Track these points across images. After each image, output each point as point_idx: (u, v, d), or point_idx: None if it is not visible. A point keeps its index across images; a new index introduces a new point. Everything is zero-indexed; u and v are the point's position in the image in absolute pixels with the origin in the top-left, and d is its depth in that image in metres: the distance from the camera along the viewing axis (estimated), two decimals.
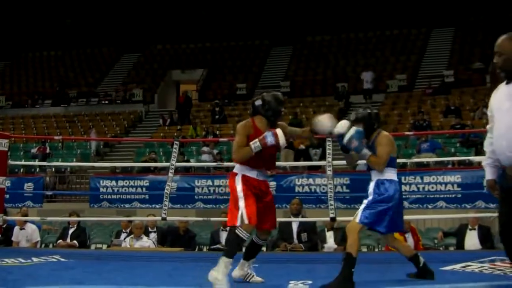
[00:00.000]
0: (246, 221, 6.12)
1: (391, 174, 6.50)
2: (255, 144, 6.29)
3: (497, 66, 4.79)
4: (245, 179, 6.33)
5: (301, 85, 31.55)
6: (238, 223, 6.12)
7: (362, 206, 6.42)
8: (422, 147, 19.15)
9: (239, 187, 6.28)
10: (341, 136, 6.51)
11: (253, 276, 6.59)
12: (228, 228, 11.81)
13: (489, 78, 28.46)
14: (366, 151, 6.46)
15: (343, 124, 6.51)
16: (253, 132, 6.45)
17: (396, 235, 11.00)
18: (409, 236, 11.20)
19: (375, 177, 6.53)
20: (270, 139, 6.26)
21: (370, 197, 6.45)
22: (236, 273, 6.57)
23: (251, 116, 6.74)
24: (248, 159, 6.34)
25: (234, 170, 6.46)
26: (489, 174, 5.04)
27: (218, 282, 5.96)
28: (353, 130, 6.43)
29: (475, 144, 20.27)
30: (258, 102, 6.62)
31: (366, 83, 28.90)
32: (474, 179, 15.68)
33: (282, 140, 6.29)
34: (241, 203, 6.18)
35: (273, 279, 6.67)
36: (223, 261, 6.05)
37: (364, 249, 12.57)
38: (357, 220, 6.34)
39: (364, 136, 6.49)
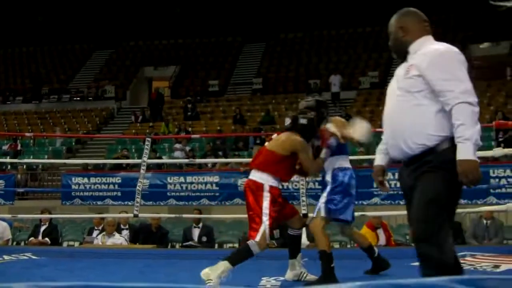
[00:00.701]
0: (267, 239, 6.08)
1: (344, 162, 6.48)
2: (324, 153, 6.37)
3: (389, 47, 4.68)
4: (272, 191, 6.15)
5: (274, 82, 31.58)
6: (258, 239, 6.00)
7: (322, 200, 6.37)
8: None
9: (266, 203, 6.10)
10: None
11: (306, 274, 6.50)
12: (200, 225, 11.83)
13: None
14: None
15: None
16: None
17: (367, 230, 11.10)
18: (380, 232, 11.25)
19: (330, 166, 6.46)
20: (334, 142, 6.41)
21: (328, 188, 6.39)
22: (289, 275, 6.48)
23: (289, 129, 6.48)
24: (280, 169, 6.24)
25: (258, 180, 6.23)
26: (377, 160, 4.81)
27: (209, 281, 5.78)
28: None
29: None
30: (303, 121, 6.40)
31: (334, 86, 28.66)
32: None
33: (338, 133, 6.41)
34: (266, 219, 6.05)
35: (245, 275, 6.67)
36: (224, 265, 5.91)
37: (337, 246, 12.62)
38: (321, 215, 6.31)
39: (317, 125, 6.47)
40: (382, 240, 11.11)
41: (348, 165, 6.51)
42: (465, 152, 3.89)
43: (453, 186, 4.04)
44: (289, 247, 6.60)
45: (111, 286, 1.32)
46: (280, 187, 6.38)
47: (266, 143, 6.50)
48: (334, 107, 26.67)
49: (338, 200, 6.31)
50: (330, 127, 6.41)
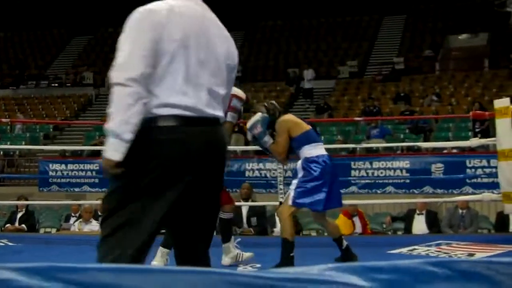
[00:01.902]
0: None
1: (315, 150, 6.42)
2: (231, 115, 6.39)
3: None
4: None
5: (253, 70, 31.54)
6: None
7: (292, 187, 6.37)
8: (372, 133, 19.34)
9: None
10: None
11: (243, 254, 6.64)
12: None
13: (438, 65, 28.82)
14: (267, 139, 6.48)
15: (253, 117, 6.59)
16: None
17: (343, 218, 11.16)
18: (356, 220, 11.32)
19: (300, 155, 6.45)
20: (236, 103, 6.49)
21: (299, 175, 6.38)
22: (227, 260, 6.58)
23: None
24: None
25: None
26: None
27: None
28: (258, 115, 6.54)
29: (424, 130, 20.55)
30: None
31: (307, 82, 27.83)
32: (422, 165, 15.87)
33: (242, 95, 6.59)
34: None
35: (220, 262, 6.70)
36: (161, 250, 6.46)
37: (314, 233, 12.69)
38: (289, 202, 6.32)
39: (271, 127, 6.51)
40: (359, 228, 11.19)
41: (319, 152, 6.42)
42: (106, 148, 3.09)
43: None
44: (221, 231, 6.77)
45: (75, 267, 1.33)
46: None
47: None
48: (306, 103, 26.66)
49: (307, 188, 6.27)
50: (236, 90, 6.43)
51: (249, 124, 6.52)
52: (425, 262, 1.33)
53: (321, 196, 6.27)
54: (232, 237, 6.73)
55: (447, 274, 1.32)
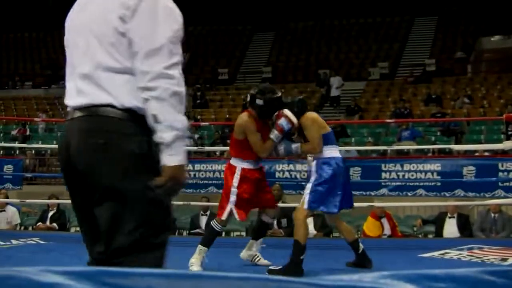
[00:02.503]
0: (236, 217, 6.43)
1: (329, 152, 6.42)
2: (274, 135, 6.38)
3: None
4: (244, 172, 6.42)
5: (283, 71, 31.54)
6: (223, 217, 6.43)
7: (307, 191, 6.39)
8: (403, 135, 19.23)
9: (235, 183, 6.41)
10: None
11: (260, 258, 6.70)
12: (208, 213, 11.87)
13: (470, 67, 28.60)
14: (295, 146, 6.48)
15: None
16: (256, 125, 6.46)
17: (372, 220, 11.12)
18: (384, 222, 11.25)
19: (315, 157, 6.48)
20: (286, 125, 6.32)
21: (312, 179, 6.40)
22: (244, 254, 6.72)
23: (248, 105, 6.65)
24: (245, 152, 6.43)
25: (233, 163, 6.54)
26: None
27: (191, 264, 6.31)
28: (288, 112, 6.42)
29: (455, 133, 20.40)
30: (260, 102, 6.45)
31: (334, 89, 27.39)
32: (454, 168, 15.73)
33: (294, 119, 6.35)
34: (233, 199, 6.38)
35: (253, 265, 6.69)
36: (199, 249, 6.45)
37: (336, 234, 12.64)
38: (305, 206, 6.34)
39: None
40: (387, 229, 11.13)
41: (334, 154, 6.44)
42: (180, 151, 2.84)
43: None
44: (255, 230, 6.91)
45: (125, 272, 1.31)
46: (257, 167, 6.57)
47: None
48: (334, 112, 26.49)
49: (321, 191, 6.30)
50: (287, 111, 6.38)
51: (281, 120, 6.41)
52: (483, 271, 1.29)
53: (335, 198, 6.32)
54: (261, 240, 6.79)
55: (506, 284, 1.29)
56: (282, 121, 6.31)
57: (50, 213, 12.69)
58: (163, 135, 2.73)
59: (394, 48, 31.73)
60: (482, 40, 30.39)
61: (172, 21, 2.84)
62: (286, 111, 6.35)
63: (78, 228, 13.43)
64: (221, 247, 8.11)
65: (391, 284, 1.26)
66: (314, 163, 6.45)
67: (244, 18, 35.04)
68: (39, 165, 22.16)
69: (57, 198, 13.14)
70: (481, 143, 18.24)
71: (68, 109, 3.00)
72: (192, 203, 11.72)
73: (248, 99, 6.59)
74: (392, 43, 32.21)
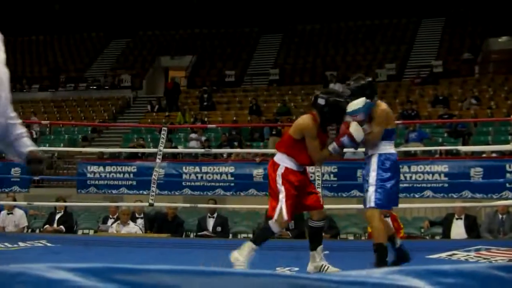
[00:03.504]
0: (285, 217, 6.09)
1: (390, 147, 6.28)
2: (333, 148, 6.24)
3: None
4: (287, 171, 6.20)
5: (290, 73, 31.53)
6: (276, 216, 6.10)
7: (372, 188, 6.14)
8: (410, 137, 19.20)
9: (281, 181, 6.16)
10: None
11: (328, 267, 6.34)
12: (215, 215, 11.85)
13: (477, 68, 28.54)
14: (366, 127, 6.15)
15: (357, 101, 6.19)
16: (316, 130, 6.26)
17: None
18: (388, 221, 11.17)
19: (375, 151, 6.25)
20: (347, 143, 6.20)
21: (373, 174, 6.17)
22: (310, 267, 6.35)
23: (311, 105, 6.43)
24: (296, 152, 6.22)
25: (276, 160, 6.30)
26: None
27: (238, 262, 6.00)
28: (362, 100, 6.16)
29: (463, 134, 20.35)
30: (321, 102, 6.25)
31: None
32: (461, 169, 15.75)
33: (359, 138, 6.15)
34: (282, 196, 6.11)
35: (259, 266, 6.67)
36: (248, 246, 6.12)
37: (351, 237, 12.62)
38: (373, 205, 6.10)
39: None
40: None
41: (393, 150, 6.29)
42: None
43: None
44: (309, 239, 6.49)
45: (133, 268, 1.31)
46: (301, 170, 6.32)
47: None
48: None
49: (387, 188, 6.10)
50: (354, 127, 6.12)
51: (350, 107, 6.14)
52: (491, 267, 1.29)
53: (395, 195, 6.22)
54: (320, 246, 6.41)
55: None
56: (345, 139, 6.12)
57: (57, 216, 12.71)
58: None
59: (401, 50, 31.69)
60: (489, 41, 30.34)
61: None
62: (354, 127, 6.11)
63: (85, 231, 13.52)
64: (229, 249, 8.09)
65: (399, 279, 1.25)
66: (376, 156, 6.21)
67: (251, 20, 35.05)
68: (47, 168, 22.18)
69: (64, 201, 13.17)
70: (488, 144, 18.21)
71: None
72: (199, 205, 11.73)
73: (312, 99, 6.41)
74: (399, 44, 32.16)
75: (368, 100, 6.17)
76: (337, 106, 6.23)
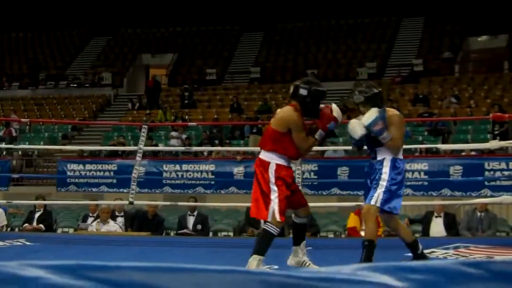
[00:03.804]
0: (278, 218, 5.97)
1: (400, 154, 6.30)
2: (319, 134, 6.20)
3: None
4: (279, 168, 6.07)
5: (271, 71, 31.55)
6: (269, 218, 5.98)
7: (381, 190, 6.14)
8: None
9: (273, 179, 6.03)
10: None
11: (309, 264, 6.31)
12: (195, 213, 11.83)
13: (457, 67, 28.70)
14: (386, 134, 6.23)
15: (370, 113, 6.22)
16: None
17: (354, 216, 11.19)
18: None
19: (387, 155, 6.25)
20: (332, 127, 6.23)
21: (386, 177, 6.16)
22: (291, 261, 6.33)
23: (290, 97, 6.35)
24: (284, 146, 6.11)
25: (265, 158, 6.16)
26: None
27: None
28: (375, 111, 6.19)
29: (443, 132, 20.45)
30: (303, 92, 6.18)
31: None
32: (441, 167, 15.82)
33: (340, 118, 6.22)
34: (274, 196, 5.99)
35: (240, 264, 6.67)
36: (254, 259, 5.91)
37: (331, 235, 12.65)
38: (378, 204, 6.10)
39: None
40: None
41: (402, 156, 6.34)
42: None
43: None
44: (293, 234, 6.50)
45: (106, 265, 1.32)
46: (291, 166, 6.28)
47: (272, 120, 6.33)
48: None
49: (395, 192, 6.13)
50: (335, 110, 6.21)
51: (367, 120, 6.14)
52: (460, 263, 1.30)
53: (400, 199, 6.21)
54: (304, 242, 6.40)
55: (483, 275, 1.30)
56: (331, 125, 6.16)
57: (37, 214, 12.64)
58: None
59: (382, 48, 31.79)
60: (469, 40, 30.51)
61: None
62: (337, 110, 6.20)
63: (64, 229, 13.46)
64: (209, 247, 8.12)
65: (368, 276, 1.27)
66: (389, 160, 6.20)
67: (232, 18, 35.04)
68: (26, 166, 22.10)
69: (44, 199, 13.11)
70: (467, 142, 18.31)
71: None
72: (179, 203, 11.72)
73: (292, 90, 6.28)
74: (380, 43, 32.26)
75: (380, 109, 6.23)
76: (319, 95, 6.23)
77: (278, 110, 6.38)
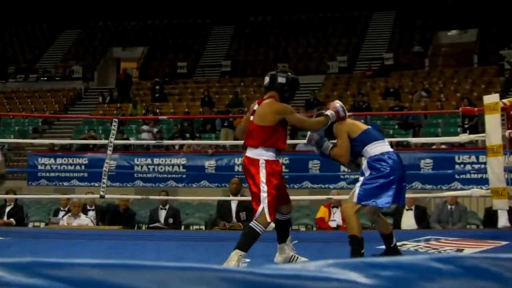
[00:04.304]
0: (268, 219, 5.93)
1: (378, 148, 6.24)
2: (330, 113, 6.27)
3: None
4: (269, 165, 6.01)
5: (242, 64, 31.55)
6: (257, 217, 5.92)
7: (358, 184, 6.18)
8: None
9: (263, 176, 5.96)
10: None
11: (297, 257, 6.33)
12: (167, 207, 11.82)
13: (427, 61, 28.86)
14: (326, 145, 6.28)
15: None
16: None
17: (323, 208, 11.26)
18: (336, 211, 11.21)
19: (365, 155, 6.30)
20: (341, 112, 6.31)
21: (366, 175, 6.18)
22: (279, 258, 6.31)
23: (267, 88, 6.32)
24: (277, 139, 6.07)
25: (253, 156, 6.08)
26: None
27: None
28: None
29: (413, 126, 20.59)
30: (282, 80, 6.23)
31: None
32: (412, 161, 15.91)
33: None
34: (264, 197, 5.93)
35: (211, 258, 6.68)
36: (236, 254, 5.85)
37: (303, 228, 12.69)
38: (354, 199, 6.12)
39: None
40: (338, 218, 11.07)
41: (384, 149, 6.24)
42: None
43: None
44: (278, 232, 6.43)
45: (60, 262, 1.32)
46: (279, 160, 6.24)
47: (252, 117, 6.21)
48: (293, 105, 26.57)
49: (374, 185, 6.07)
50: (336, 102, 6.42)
51: (307, 139, 6.38)
52: (430, 258, 1.32)
53: (389, 193, 6.10)
54: (289, 238, 6.38)
55: (453, 271, 1.31)
56: (338, 106, 6.27)
57: (8, 209, 12.56)
58: None
59: (353, 42, 31.88)
60: (439, 34, 30.69)
61: None
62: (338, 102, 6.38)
63: (36, 224, 13.38)
64: (181, 241, 8.11)
65: (335, 272, 1.27)
66: (364, 163, 6.25)
67: (203, 11, 34.97)
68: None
69: (15, 193, 13.05)
70: (438, 136, 18.45)
71: None
72: (151, 197, 11.69)
73: (267, 81, 6.26)
74: (351, 37, 32.35)
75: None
76: (296, 83, 6.38)
77: (260, 106, 6.22)
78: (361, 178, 6.21)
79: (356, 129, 6.37)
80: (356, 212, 6.16)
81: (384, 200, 6.12)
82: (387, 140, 6.53)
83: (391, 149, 6.33)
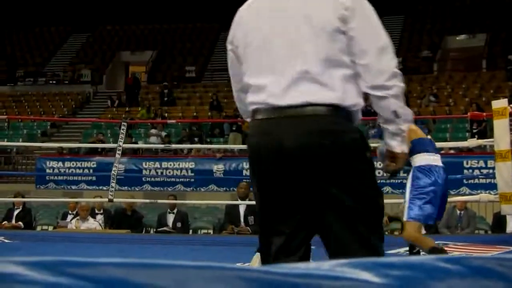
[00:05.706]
0: None
1: (426, 160, 6.27)
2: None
3: None
4: None
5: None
6: None
7: (406, 202, 6.20)
8: (370, 133, 19.32)
9: None
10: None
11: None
12: (175, 211, 11.82)
13: (436, 66, 28.83)
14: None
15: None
16: None
17: None
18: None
19: (412, 163, 6.30)
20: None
21: (410, 187, 6.21)
22: None
23: None
24: None
25: None
26: None
27: None
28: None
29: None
30: None
31: None
32: None
33: None
34: None
35: (220, 261, 6.66)
36: (258, 257, 5.79)
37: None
38: (405, 218, 6.18)
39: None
40: None
41: (434, 162, 6.22)
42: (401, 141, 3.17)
43: None
44: None
45: (85, 262, 1.33)
46: None
47: None
48: None
49: (421, 202, 6.03)
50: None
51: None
52: (438, 259, 1.32)
53: (432, 210, 6.06)
54: None
55: (460, 271, 1.32)
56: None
57: (16, 212, 12.59)
58: (401, 127, 2.99)
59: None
60: (447, 39, 30.66)
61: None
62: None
63: (44, 227, 13.40)
64: (189, 245, 8.11)
65: (347, 272, 1.28)
66: (412, 169, 6.24)
67: (211, 15, 34.98)
68: (5, 163, 21.98)
69: (23, 197, 13.09)
70: (446, 141, 18.40)
71: (263, 106, 2.96)
72: (159, 201, 11.71)
73: None
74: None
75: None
76: None
77: None
78: (407, 194, 6.16)
79: (413, 134, 6.31)
80: (418, 230, 6.14)
81: (429, 218, 6.11)
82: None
83: (441, 165, 6.27)
